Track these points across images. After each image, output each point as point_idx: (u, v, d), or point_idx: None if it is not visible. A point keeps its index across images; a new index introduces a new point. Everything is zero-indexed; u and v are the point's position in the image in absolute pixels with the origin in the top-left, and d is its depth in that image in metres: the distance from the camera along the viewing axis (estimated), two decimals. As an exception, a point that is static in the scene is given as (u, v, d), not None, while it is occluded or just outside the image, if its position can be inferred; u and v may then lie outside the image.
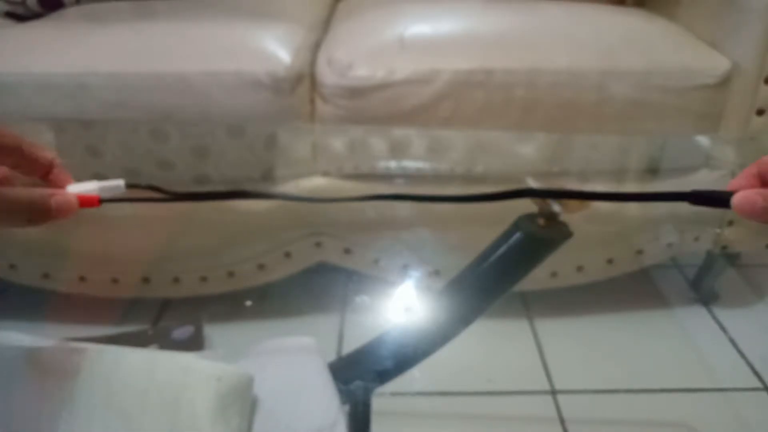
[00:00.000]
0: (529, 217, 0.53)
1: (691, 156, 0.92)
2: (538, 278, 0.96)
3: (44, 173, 0.38)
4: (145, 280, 0.95)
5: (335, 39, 0.90)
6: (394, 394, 0.75)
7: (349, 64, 0.82)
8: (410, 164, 0.86)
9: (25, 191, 0.35)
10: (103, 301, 0.97)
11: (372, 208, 0.85)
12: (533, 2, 0.97)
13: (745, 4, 0.83)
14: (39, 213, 0.35)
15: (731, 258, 1.02)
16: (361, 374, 0.56)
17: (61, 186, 0.38)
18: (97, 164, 0.84)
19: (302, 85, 0.83)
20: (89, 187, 0.38)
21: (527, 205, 0.52)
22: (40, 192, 0.35)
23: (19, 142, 0.36)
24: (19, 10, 1.05)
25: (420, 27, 0.86)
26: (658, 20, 0.95)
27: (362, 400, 0.54)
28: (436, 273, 0.89)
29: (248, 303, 1.00)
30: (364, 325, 0.80)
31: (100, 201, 0.38)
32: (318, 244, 0.93)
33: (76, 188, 0.38)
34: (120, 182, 0.39)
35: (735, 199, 0.33)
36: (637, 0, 1.02)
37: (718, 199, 0.35)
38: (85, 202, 0.37)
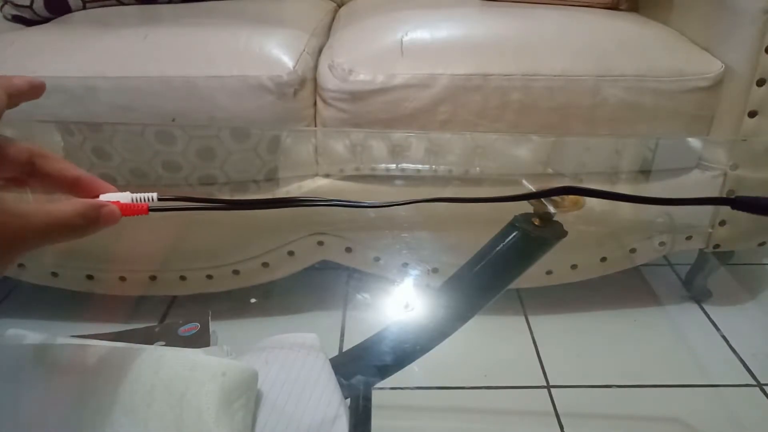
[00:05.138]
0: (525, 217, 0.53)
1: (683, 158, 0.92)
2: (533, 276, 0.96)
3: (66, 187, 0.36)
4: (152, 278, 0.96)
5: (337, 44, 0.90)
6: (394, 388, 0.75)
7: (350, 69, 0.83)
8: (409, 166, 0.86)
9: (70, 204, 0.33)
10: (111, 299, 0.98)
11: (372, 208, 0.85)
12: (529, 8, 0.98)
13: (738, 7, 0.83)
14: (87, 225, 0.33)
15: (723, 256, 1.03)
16: (362, 369, 0.56)
17: (95, 194, 0.36)
18: (104, 166, 0.85)
19: (305, 89, 0.84)
20: (122, 197, 0.37)
21: (525, 207, 0.53)
22: (87, 203, 0.34)
23: (31, 155, 0.34)
24: (27, 13, 1.05)
25: (419, 33, 0.86)
26: (652, 25, 0.95)
27: (363, 394, 0.54)
28: (435, 271, 0.90)
29: (253, 300, 1.00)
30: (364, 322, 0.80)
31: (149, 209, 0.37)
32: (320, 243, 0.94)
33: (109, 197, 0.36)
34: (153, 195, 0.38)
35: None
36: (631, 5, 1.02)
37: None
38: (135, 210, 0.36)
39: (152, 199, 0.38)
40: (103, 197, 0.36)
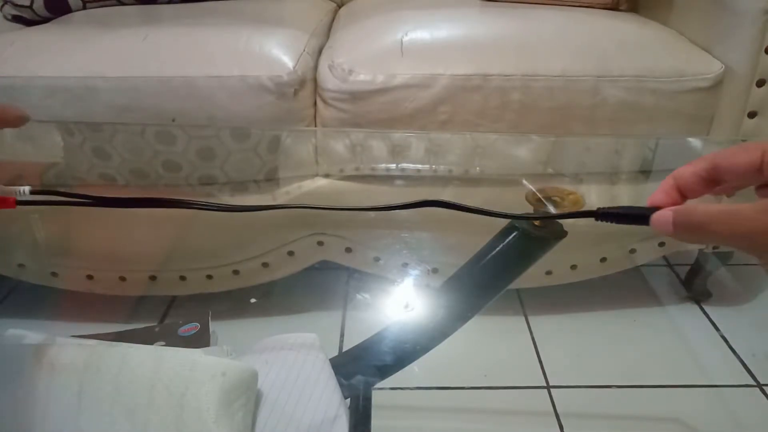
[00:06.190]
0: None
1: (683, 158, 0.93)
2: (533, 276, 0.96)
3: None
4: (152, 278, 0.96)
5: (337, 44, 0.90)
6: (394, 388, 0.76)
7: (350, 69, 0.83)
8: (409, 166, 0.86)
9: None
10: (111, 299, 0.98)
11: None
12: (529, 8, 0.98)
13: (737, 8, 0.83)
14: None
15: (723, 256, 1.03)
16: (362, 369, 0.56)
17: None
18: (104, 166, 0.85)
19: (305, 89, 0.84)
20: None
21: (524, 206, 0.53)
22: None
23: None
24: (27, 14, 1.06)
25: (419, 33, 0.86)
26: (652, 25, 0.95)
27: (363, 394, 0.54)
28: (435, 271, 0.90)
29: (253, 300, 1.01)
30: (364, 322, 0.81)
31: (16, 203, 0.39)
32: (320, 243, 0.94)
33: None
34: (26, 188, 0.39)
35: (653, 218, 0.33)
36: (630, 5, 1.02)
37: (637, 216, 0.35)
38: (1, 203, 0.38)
39: (23, 193, 0.39)
40: None
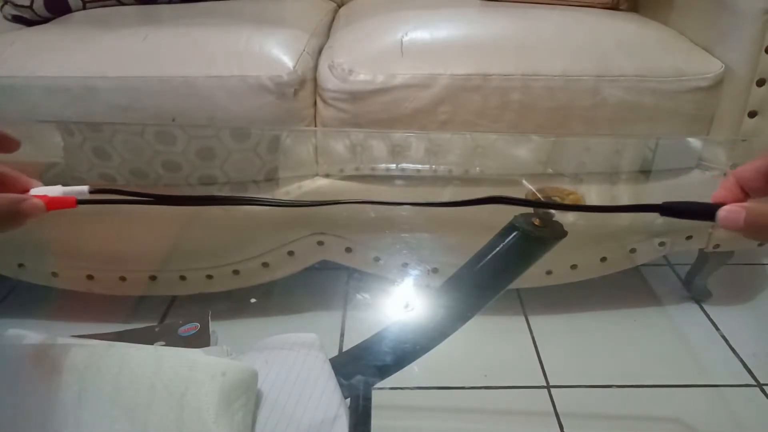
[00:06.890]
0: (525, 217, 0.53)
1: (683, 158, 0.93)
2: (533, 276, 0.96)
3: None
4: (152, 278, 0.96)
5: (337, 44, 0.90)
6: (394, 388, 0.76)
7: (350, 69, 0.83)
8: (409, 166, 0.86)
9: None
10: (111, 299, 0.98)
11: (372, 208, 0.86)
12: (529, 8, 0.98)
13: (737, 7, 0.83)
14: (9, 219, 0.35)
15: (723, 256, 1.03)
16: (362, 369, 0.57)
17: (23, 189, 0.38)
18: (104, 166, 0.85)
19: (305, 89, 0.84)
20: (53, 191, 0.38)
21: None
22: (8, 198, 0.35)
23: None
24: (27, 14, 1.06)
25: (419, 33, 0.86)
26: (652, 24, 0.95)
27: (363, 394, 0.55)
28: (435, 271, 0.90)
29: (253, 300, 1.01)
30: (364, 322, 0.81)
31: (77, 202, 0.38)
32: (320, 243, 0.94)
33: (39, 191, 0.38)
34: (84, 188, 0.39)
35: (721, 213, 0.34)
36: (630, 5, 1.02)
37: (702, 212, 0.35)
38: (61, 203, 0.38)
39: (83, 193, 0.39)
40: (34, 191, 0.38)
